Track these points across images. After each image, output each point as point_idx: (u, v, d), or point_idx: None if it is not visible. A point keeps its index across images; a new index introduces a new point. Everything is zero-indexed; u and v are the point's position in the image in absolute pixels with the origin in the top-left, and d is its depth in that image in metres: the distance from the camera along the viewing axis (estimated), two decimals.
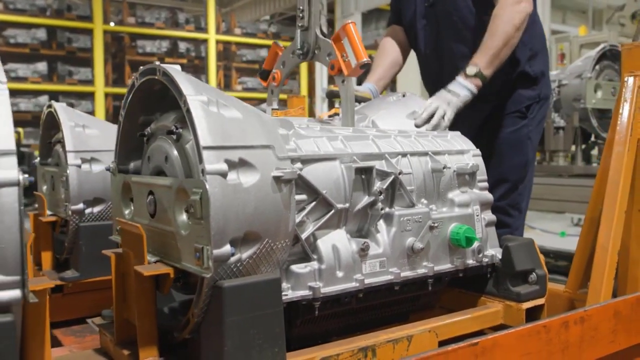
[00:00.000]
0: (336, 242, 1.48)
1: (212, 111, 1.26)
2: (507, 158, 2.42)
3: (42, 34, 10.55)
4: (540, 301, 1.77)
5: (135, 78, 1.45)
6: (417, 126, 1.96)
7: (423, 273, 1.62)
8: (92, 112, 10.30)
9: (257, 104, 10.27)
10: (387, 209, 1.58)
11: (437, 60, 2.55)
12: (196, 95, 1.25)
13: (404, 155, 1.69)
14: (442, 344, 1.49)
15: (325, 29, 1.92)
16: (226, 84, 12.22)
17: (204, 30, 11.67)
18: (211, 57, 11.55)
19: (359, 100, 2.18)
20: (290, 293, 1.38)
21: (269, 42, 11.49)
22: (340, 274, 1.46)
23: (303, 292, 1.40)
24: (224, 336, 1.18)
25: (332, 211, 1.48)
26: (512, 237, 1.87)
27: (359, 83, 2.53)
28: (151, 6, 12.39)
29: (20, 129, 9.79)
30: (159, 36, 11.26)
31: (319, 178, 1.47)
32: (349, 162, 1.53)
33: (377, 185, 1.57)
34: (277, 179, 1.29)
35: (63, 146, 2.02)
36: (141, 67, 1.44)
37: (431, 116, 1.99)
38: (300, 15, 1.86)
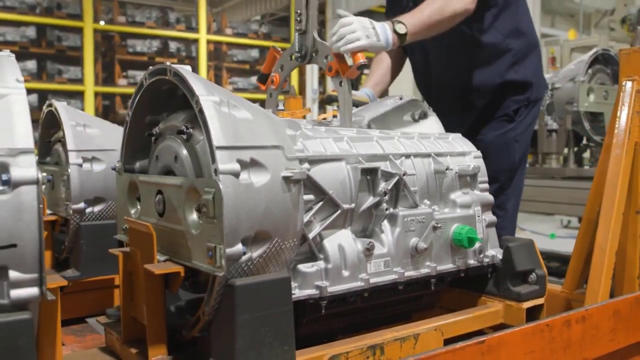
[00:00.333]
0: (342, 242, 1.49)
1: (223, 111, 1.27)
2: (493, 161, 2.39)
3: (31, 32, 10.44)
4: (540, 301, 1.80)
5: (144, 78, 1.46)
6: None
7: (426, 273, 1.64)
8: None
9: None
10: (391, 210, 1.60)
11: (424, 65, 2.56)
12: (208, 95, 1.27)
13: (407, 156, 1.71)
14: (446, 342, 1.51)
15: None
16: (217, 84, 12.12)
17: (195, 30, 11.61)
18: (202, 57, 11.49)
19: (357, 104, 2.19)
20: (297, 292, 1.40)
21: (260, 42, 11.46)
22: (346, 273, 1.47)
23: (310, 291, 1.41)
24: (236, 334, 1.19)
25: (339, 211, 1.50)
26: (513, 238, 1.90)
27: (355, 89, 2.53)
28: (142, 5, 12.29)
29: None
30: (150, 35, 11.17)
31: (326, 178, 1.48)
32: (355, 163, 1.55)
33: (382, 186, 1.58)
34: (286, 179, 1.30)
35: (63, 145, 2.02)
36: (150, 67, 1.44)
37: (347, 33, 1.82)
38: (298, 19, 1.88)
